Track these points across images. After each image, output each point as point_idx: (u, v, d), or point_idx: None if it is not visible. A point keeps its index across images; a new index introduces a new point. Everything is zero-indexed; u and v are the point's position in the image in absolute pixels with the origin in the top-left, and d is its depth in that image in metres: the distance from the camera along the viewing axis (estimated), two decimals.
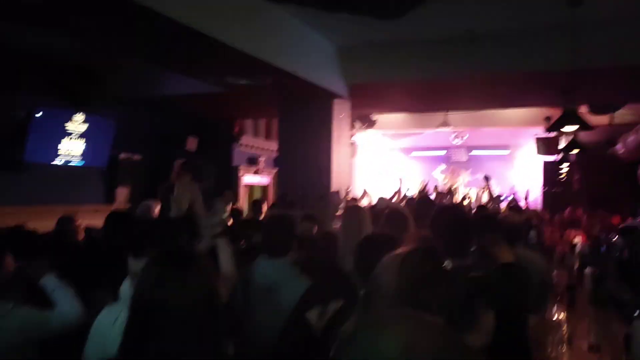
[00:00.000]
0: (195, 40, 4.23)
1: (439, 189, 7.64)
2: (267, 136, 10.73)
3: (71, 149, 6.68)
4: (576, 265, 5.51)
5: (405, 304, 1.34)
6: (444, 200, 6.15)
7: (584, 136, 8.34)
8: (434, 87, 6.91)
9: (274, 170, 10.07)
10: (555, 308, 3.73)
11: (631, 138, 9.71)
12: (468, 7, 5.11)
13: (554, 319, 3.62)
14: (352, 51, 6.48)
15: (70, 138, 6.63)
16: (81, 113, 6.67)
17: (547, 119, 9.34)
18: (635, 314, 2.94)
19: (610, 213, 8.38)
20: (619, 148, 10.47)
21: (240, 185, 9.93)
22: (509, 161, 13.15)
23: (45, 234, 3.93)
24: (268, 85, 6.19)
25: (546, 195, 11.95)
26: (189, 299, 1.27)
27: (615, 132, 10.21)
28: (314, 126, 6.75)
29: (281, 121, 7.28)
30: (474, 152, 13.46)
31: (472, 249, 2.42)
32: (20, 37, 4.92)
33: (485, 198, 6.15)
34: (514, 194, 7.71)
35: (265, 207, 5.99)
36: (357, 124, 9.85)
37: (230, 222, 5.11)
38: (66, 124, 6.57)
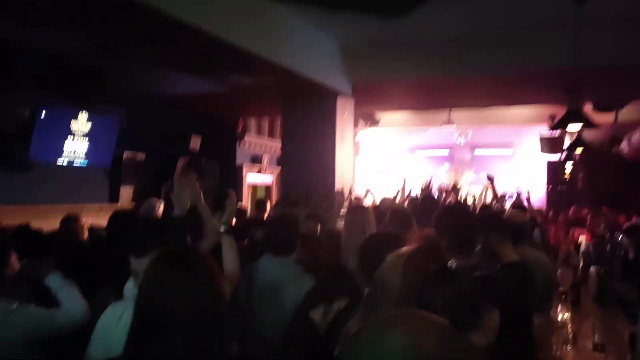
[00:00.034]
0: (198, 39, 4.24)
1: (443, 186, 7.61)
2: (271, 134, 10.70)
3: (75, 148, 6.70)
4: (581, 264, 5.48)
5: (410, 303, 1.33)
6: (448, 198, 6.13)
7: (589, 134, 8.31)
8: (438, 84, 6.88)
9: (277, 169, 10.06)
10: (560, 307, 3.72)
11: (636, 136, 9.66)
12: (472, 5, 5.10)
13: (559, 318, 3.60)
14: (356, 49, 6.46)
15: (74, 137, 6.65)
16: (85, 112, 6.68)
17: (552, 117, 9.32)
18: None
19: (615, 212, 8.34)
20: (624, 146, 10.42)
21: (243, 185, 9.92)
22: (513, 160, 13.11)
23: (50, 233, 3.95)
24: (271, 84, 6.18)
25: (550, 194, 11.91)
26: (193, 300, 1.27)
27: (620, 130, 10.16)
28: (318, 124, 6.72)
29: (284, 120, 7.26)
30: (478, 151, 13.43)
31: (476, 248, 2.42)
32: (24, 35, 4.93)
33: (489, 198, 6.12)
34: (519, 193, 7.67)
35: (269, 206, 6.00)
36: (361, 122, 9.84)
37: (234, 221, 5.11)
38: (70, 123, 6.59)
